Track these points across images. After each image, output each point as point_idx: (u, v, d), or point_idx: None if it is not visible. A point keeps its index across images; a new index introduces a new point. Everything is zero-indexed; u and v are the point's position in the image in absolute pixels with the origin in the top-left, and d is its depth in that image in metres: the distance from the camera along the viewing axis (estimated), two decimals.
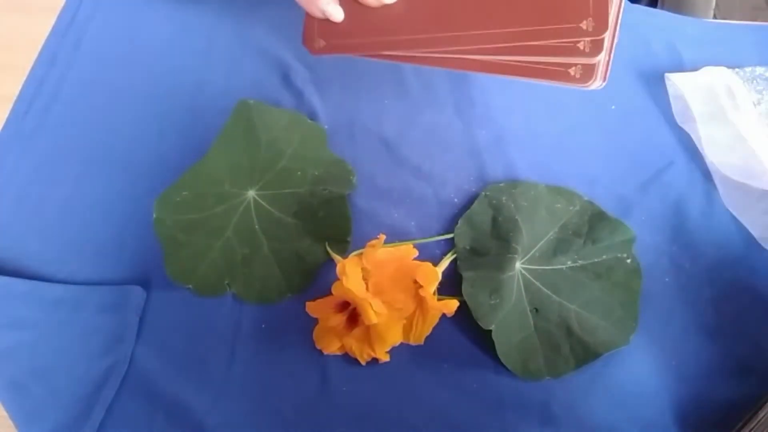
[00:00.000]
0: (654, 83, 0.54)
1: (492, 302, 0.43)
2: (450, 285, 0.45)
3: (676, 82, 0.52)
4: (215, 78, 0.53)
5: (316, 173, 0.49)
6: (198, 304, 0.45)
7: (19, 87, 0.53)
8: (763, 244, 0.47)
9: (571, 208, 0.47)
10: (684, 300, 0.46)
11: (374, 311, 0.40)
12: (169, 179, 0.48)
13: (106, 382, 0.42)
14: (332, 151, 0.50)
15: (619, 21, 0.36)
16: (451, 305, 0.42)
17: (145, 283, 0.45)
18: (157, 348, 0.44)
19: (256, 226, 0.47)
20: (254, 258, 0.46)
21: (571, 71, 0.36)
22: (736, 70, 0.53)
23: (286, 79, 0.53)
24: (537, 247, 0.46)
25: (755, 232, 0.48)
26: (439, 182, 0.50)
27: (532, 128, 0.52)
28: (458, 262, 0.45)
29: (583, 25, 0.34)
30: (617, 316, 0.44)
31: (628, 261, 0.46)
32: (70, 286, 0.44)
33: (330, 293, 0.42)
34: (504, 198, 0.47)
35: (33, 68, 0.53)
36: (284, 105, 0.52)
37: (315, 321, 0.43)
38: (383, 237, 0.44)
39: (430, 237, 0.47)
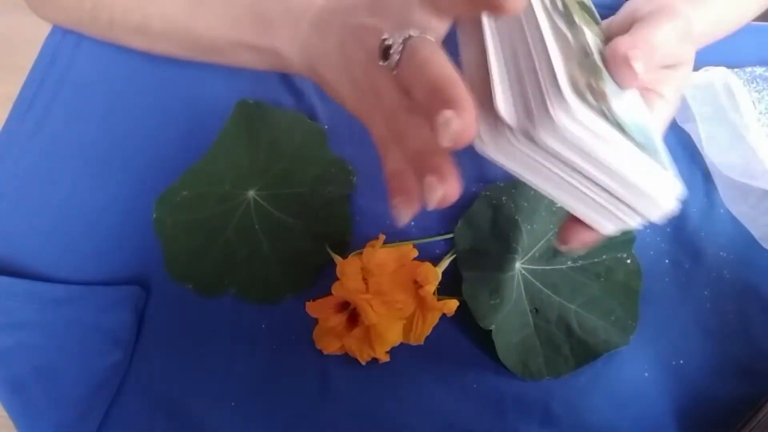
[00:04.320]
0: None
1: (492, 302, 0.43)
2: (450, 285, 0.45)
3: None
4: (215, 78, 0.53)
5: (316, 173, 0.49)
6: (198, 304, 0.45)
7: (19, 87, 0.53)
8: (763, 244, 0.47)
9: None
10: (684, 300, 0.46)
11: (374, 311, 0.40)
12: (169, 179, 0.48)
13: (106, 382, 0.42)
14: (332, 151, 0.50)
15: None
16: (451, 305, 0.42)
17: (145, 283, 0.45)
18: (157, 348, 0.44)
19: (256, 226, 0.47)
20: (254, 258, 0.46)
21: None
22: (736, 70, 0.53)
23: (286, 79, 0.53)
24: (537, 247, 0.46)
25: (755, 232, 0.48)
26: None
27: None
28: (458, 262, 0.45)
29: None
30: (617, 316, 0.44)
31: (628, 261, 0.46)
32: (70, 286, 0.44)
33: (330, 293, 0.42)
34: (504, 198, 0.47)
35: (33, 68, 0.53)
36: (284, 105, 0.52)
37: (315, 321, 0.43)
38: (383, 237, 0.45)
39: (430, 237, 0.47)
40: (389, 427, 0.42)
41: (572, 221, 0.29)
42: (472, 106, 0.23)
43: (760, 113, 0.51)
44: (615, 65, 0.27)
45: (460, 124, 0.23)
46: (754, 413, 0.41)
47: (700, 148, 0.50)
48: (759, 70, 0.53)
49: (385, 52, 0.28)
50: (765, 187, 0.46)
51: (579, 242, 0.30)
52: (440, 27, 0.30)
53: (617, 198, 0.26)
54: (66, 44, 0.54)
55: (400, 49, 0.27)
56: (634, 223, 0.28)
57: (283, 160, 0.49)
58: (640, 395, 0.43)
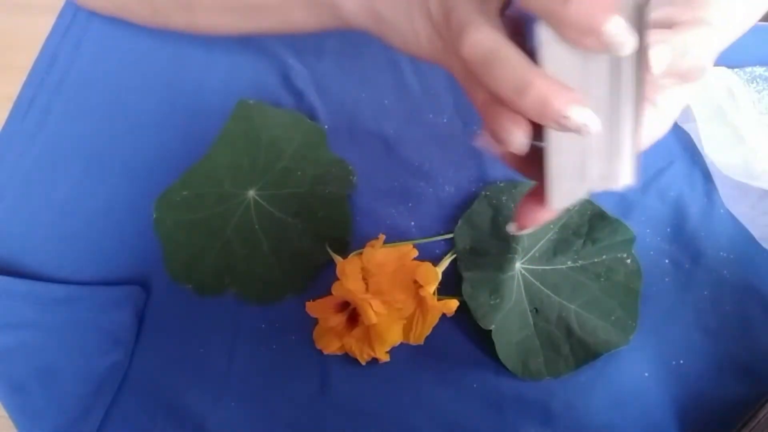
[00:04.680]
0: None
1: (492, 302, 0.43)
2: (450, 285, 0.45)
3: None
4: (215, 78, 0.53)
5: (316, 173, 0.49)
6: (198, 304, 0.45)
7: (19, 87, 0.53)
8: (763, 244, 0.47)
9: (570, 207, 0.47)
10: (684, 300, 0.46)
11: (374, 311, 0.40)
12: (169, 179, 0.48)
13: (106, 382, 0.42)
14: (332, 151, 0.50)
15: None
16: (451, 305, 0.42)
17: (145, 283, 0.45)
18: (157, 348, 0.44)
19: (256, 226, 0.47)
20: (254, 258, 0.46)
21: None
22: (736, 70, 0.53)
23: (286, 79, 0.53)
24: (537, 247, 0.46)
25: (755, 232, 0.48)
26: (439, 182, 0.50)
27: None
28: (458, 262, 0.45)
29: None
30: (617, 317, 0.44)
31: (628, 261, 0.46)
32: (70, 285, 0.44)
33: (330, 293, 0.42)
34: (504, 198, 0.47)
35: (33, 68, 0.53)
36: (284, 105, 0.52)
37: (315, 321, 0.43)
38: (383, 237, 0.45)
39: (430, 237, 0.47)
40: (389, 427, 0.42)
41: (528, 200, 0.30)
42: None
43: (760, 113, 0.51)
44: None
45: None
46: (754, 413, 0.41)
47: (700, 148, 0.50)
48: (759, 70, 0.53)
49: None
50: (765, 187, 0.46)
51: (533, 222, 0.30)
52: None
53: (598, 146, 0.27)
54: (66, 44, 0.54)
55: None
56: (581, 191, 0.28)
57: (283, 160, 0.49)
58: (640, 395, 0.43)
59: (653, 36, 0.26)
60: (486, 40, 0.26)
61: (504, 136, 0.26)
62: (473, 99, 0.29)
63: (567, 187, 0.28)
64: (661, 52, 0.26)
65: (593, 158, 0.27)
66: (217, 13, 0.46)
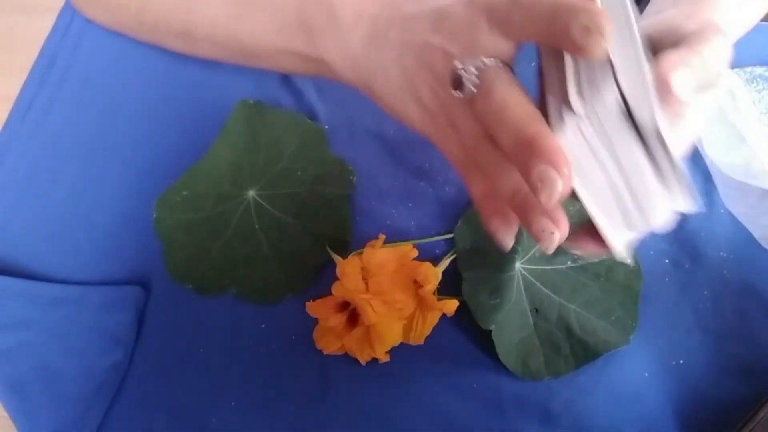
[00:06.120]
0: None
1: (492, 302, 0.43)
2: (450, 285, 0.45)
3: None
4: (215, 78, 0.53)
5: (316, 173, 0.49)
6: (198, 304, 0.45)
7: (19, 87, 0.53)
8: (763, 244, 0.47)
9: (571, 207, 0.47)
10: (684, 300, 0.46)
11: (374, 311, 0.40)
12: (169, 179, 0.48)
13: (106, 382, 0.42)
14: (332, 151, 0.50)
15: None
16: (451, 305, 0.42)
17: (145, 283, 0.45)
18: (157, 348, 0.44)
19: (256, 226, 0.47)
20: (254, 258, 0.46)
21: None
22: (736, 70, 0.53)
23: (286, 79, 0.53)
24: (537, 247, 0.46)
25: (755, 232, 0.48)
26: (439, 182, 0.50)
27: None
28: (458, 262, 0.45)
29: None
30: (617, 316, 0.44)
31: (628, 261, 0.46)
32: (70, 285, 0.44)
33: (330, 293, 0.42)
34: None
35: (33, 68, 0.53)
36: (284, 105, 0.52)
37: (315, 321, 0.43)
38: (383, 237, 0.45)
39: (430, 237, 0.47)
40: (389, 427, 0.42)
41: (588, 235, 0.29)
42: (564, 156, 0.22)
43: (761, 113, 0.51)
44: (661, 84, 0.25)
45: (562, 184, 0.21)
46: (754, 413, 0.41)
47: (700, 148, 0.50)
48: (759, 70, 0.53)
49: (457, 82, 0.26)
50: (765, 187, 0.46)
51: (587, 251, 0.29)
52: (509, 49, 0.27)
53: (632, 192, 0.26)
54: (66, 44, 0.54)
55: (474, 81, 0.26)
56: (634, 231, 0.27)
57: (283, 160, 0.49)
58: (640, 395, 0.43)
59: (672, 58, 0.25)
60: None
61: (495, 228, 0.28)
62: (469, 188, 0.29)
63: (620, 236, 0.27)
64: (684, 78, 0.25)
65: (628, 205, 0.26)
66: (214, 49, 0.47)
